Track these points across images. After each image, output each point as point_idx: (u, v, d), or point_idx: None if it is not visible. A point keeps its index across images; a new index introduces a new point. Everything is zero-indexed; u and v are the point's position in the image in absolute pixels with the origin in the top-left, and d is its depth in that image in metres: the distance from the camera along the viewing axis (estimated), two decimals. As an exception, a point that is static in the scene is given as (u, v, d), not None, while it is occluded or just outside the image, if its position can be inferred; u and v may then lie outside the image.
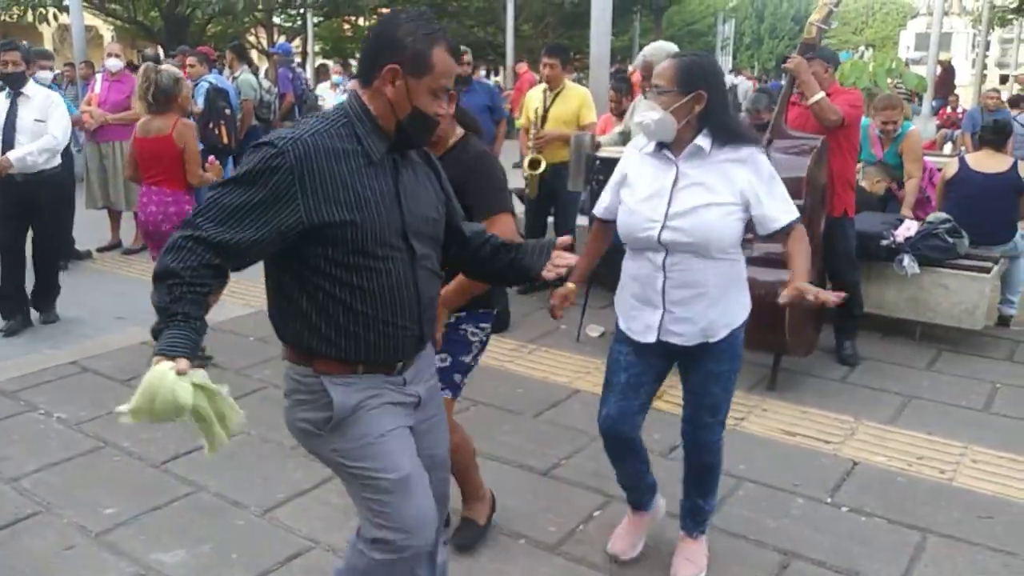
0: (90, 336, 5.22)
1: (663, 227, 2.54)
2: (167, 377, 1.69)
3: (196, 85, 7.28)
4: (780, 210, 2.57)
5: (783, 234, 2.60)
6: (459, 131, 2.72)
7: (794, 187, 4.21)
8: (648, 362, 2.72)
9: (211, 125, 7.20)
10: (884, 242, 5.05)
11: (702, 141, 2.53)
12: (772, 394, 4.34)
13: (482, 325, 2.83)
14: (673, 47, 4.79)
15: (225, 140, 7.27)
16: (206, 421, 1.75)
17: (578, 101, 5.90)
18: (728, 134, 2.54)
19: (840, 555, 2.96)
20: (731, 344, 2.64)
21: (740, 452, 3.70)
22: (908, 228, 5.08)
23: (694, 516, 2.87)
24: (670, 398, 4.29)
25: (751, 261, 4.37)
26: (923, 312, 5.11)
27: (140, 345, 5.05)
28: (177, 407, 1.69)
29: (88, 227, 7.41)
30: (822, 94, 4.33)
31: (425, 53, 1.88)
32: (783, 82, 4.87)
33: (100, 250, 7.45)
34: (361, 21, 24.08)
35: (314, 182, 1.82)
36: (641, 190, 2.62)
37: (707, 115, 2.51)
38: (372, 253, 1.90)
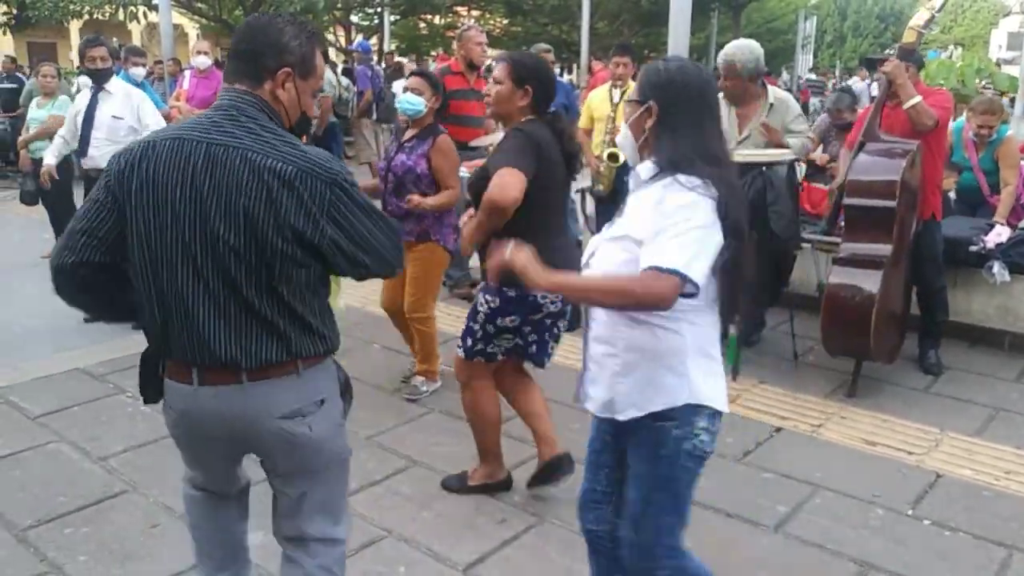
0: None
1: (586, 263, 2.14)
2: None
3: None
4: (660, 248, 1.85)
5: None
6: (524, 119, 3.05)
7: (887, 190, 4.13)
8: (603, 438, 2.23)
9: None
10: (973, 248, 4.87)
11: (646, 166, 2.03)
12: (852, 401, 4.23)
13: (487, 296, 3.08)
14: (756, 45, 4.70)
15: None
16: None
17: None
18: (672, 161, 1.97)
19: (920, 569, 2.88)
20: (652, 439, 2.03)
21: (817, 459, 3.63)
22: (999, 234, 4.89)
23: None
24: (743, 402, 4.23)
25: (836, 261, 4.30)
26: (1013, 321, 4.92)
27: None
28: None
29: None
30: (919, 98, 4.22)
31: (310, 56, 1.94)
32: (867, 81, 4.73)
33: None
34: (437, 19, 24.35)
35: None
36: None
37: (657, 133, 2.02)
38: None
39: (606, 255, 2.05)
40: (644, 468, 2.07)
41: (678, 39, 6.63)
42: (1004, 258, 4.79)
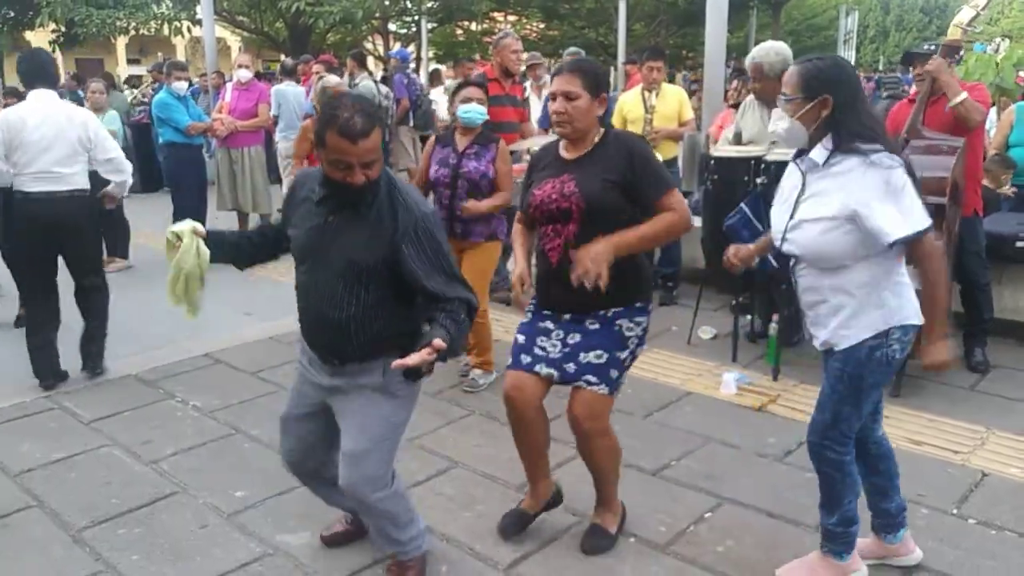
0: (220, 330, 5.53)
1: (783, 239, 2.58)
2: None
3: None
4: (894, 222, 2.36)
5: (906, 247, 2.43)
6: (600, 129, 2.85)
7: (937, 186, 4.06)
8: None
9: None
10: (1020, 243, 4.78)
11: (818, 151, 2.48)
12: (896, 400, 4.17)
13: (637, 319, 2.84)
14: (783, 47, 4.68)
15: None
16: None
17: (677, 99, 6.03)
18: (853, 139, 2.41)
19: (966, 568, 2.84)
20: (850, 352, 2.52)
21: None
22: (1047, 228, 4.79)
23: (820, 524, 2.77)
24: (784, 402, 4.21)
25: None
26: (1063, 318, 4.81)
27: (268, 340, 5.33)
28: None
29: (219, 227, 7.85)
30: (965, 94, 4.16)
31: (321, 134, 2.35)
32: (909, 75, 4.69)
33: (230, 250, 7.86)
34: (474, 26, 24.47)
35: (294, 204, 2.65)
36: (780, 198, 2.66)
37: (833, 120, 2.44)
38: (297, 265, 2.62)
39: (806, 235, 2.49)
40: (838, 365, 2.54)
41: (715, 38, 6.64)
42: (1052, 253, 4.70)
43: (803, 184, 2.54)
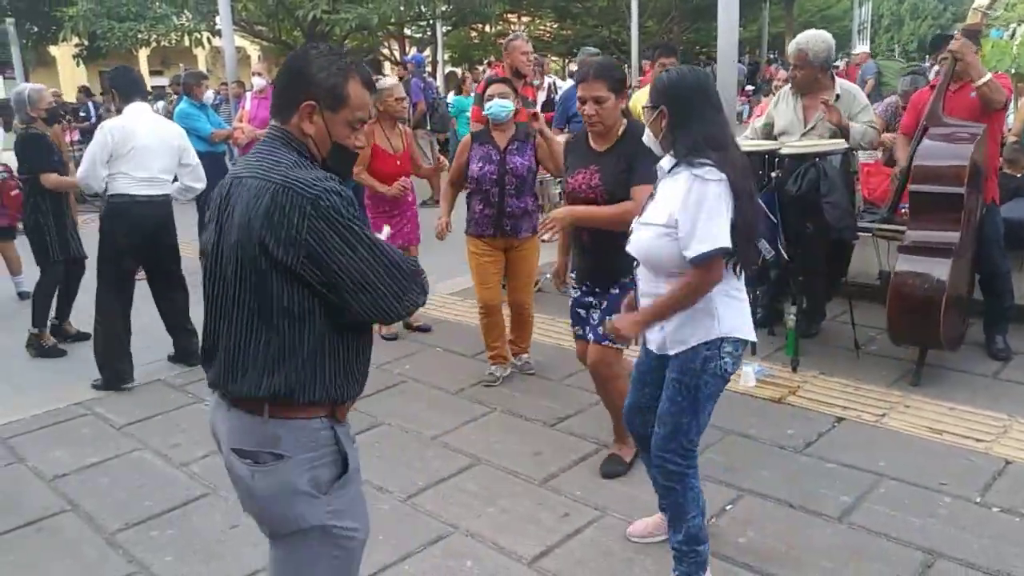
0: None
1: (628, 240, 2.65)
2: None
3: None
4: (694, 237, 2.38)
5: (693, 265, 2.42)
6: (623, 121, 3.28)
7: (956, 174, 4.07)
8: (650, 363, 2.76)
9: None
10: (1041, 230, 4.75)
11: (666, 159, 2.57)
12: (916, 390, 4.17)
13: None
14: (828, 36, 4.70)
15: None
16: None
17: None
18: (687, 151, 2.45)
19: (990, 556, 2.84)
20: (686, 361, 2.54)
21: (881, 449, 3.60)
22: (1068, 214, 4.76)
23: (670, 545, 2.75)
24: (804, 393, 4.22)
25: (901, 249, 4.25)
26: (1086, 304, 4.77)
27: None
28: None
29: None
30: (989, 75, 4.15)
31: (341, 87, 1.86)
32: (928, 64, 4.68)
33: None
34: (488, 28, 24.53)
35: None
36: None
37: (670, 131, 2.51)
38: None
39: (640, 238, 2.56)
40: (674, 375, 2.58)
41: (727, 33, 6.62)
42: (1074, 239, 4.66)
43: (656, 188, 2.62)
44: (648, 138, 2.62)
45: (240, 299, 1.81)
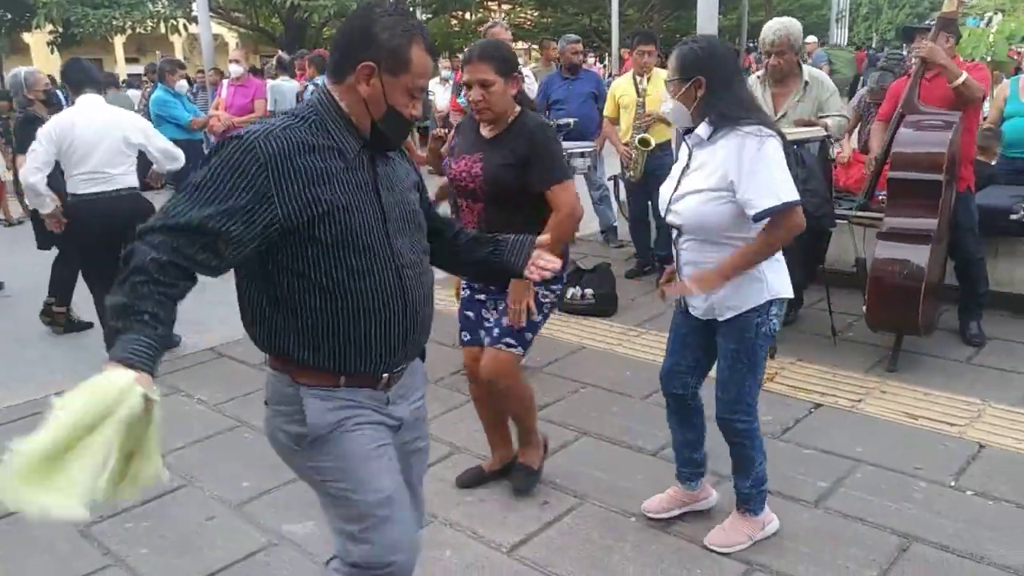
0: (225, 325, 5.56)
1: (667, 210, 2.73)
2: (130, 390, 1.43)
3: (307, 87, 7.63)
4: (759, 194, 2.47)
5: (762, 220, 2.52)
6: (516, 108, 2.96)
7: (933, 162, 4.08)
8: (692, 326, 2.84)
9: None
10: (1014, 216, 4.80)
11: (703, 127, 2.61)
12: (892, 376, 4.21)
13: (553, 287, 3.06)
14: (792, 19, 4.70)
15: None
16: (124, 452, 1.46)
17: None
18: (724, 118, 2.54)
19: (964, 539, 2.87)
20: (739, 326, 2.67)
21: (857, 434, 3.63)
22: (1041, 201, 4.80)
23: (735, 489, 2.95)
24: (782, 380, 4.24)
25: (880, 236, 4.27)
26: (1058, 289, 4.83)
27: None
28: (112, 417, 1.42)
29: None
30: (965, 75, 4.19)
31: (404, 50, 1.76)
32: (904, 52, 4.70)
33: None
34: (468, 16, 24.42)
35: (288, 178, 1.70)
36: (672, 172, 2.80)
37: (708, 100, 2.57)
38: (352, 250, 1.78)
39: (687, 206, 2.62)
40: (732, 347, 2.71)
41: (707, 21, 6.62)
42: (1046, 225, 4.71)
43: (689, 158, 2.69)
44: (676, 112, 2.65)
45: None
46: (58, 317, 5.64)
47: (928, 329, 4.36)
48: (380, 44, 1.75)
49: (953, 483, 3.24)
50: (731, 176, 2.51)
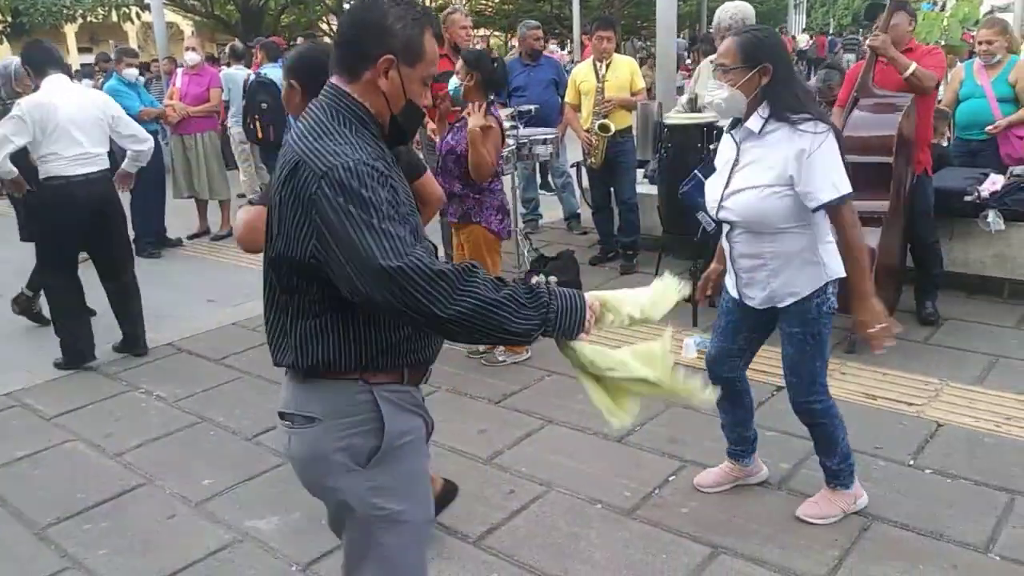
0: (184, 319, 5.49)
1: (719, 207, 2.73)
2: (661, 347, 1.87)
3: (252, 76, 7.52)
4: (820, 187, 2.53)
5: (829, 212, 2.61)
6: None
7: (883, 144, 4.13)
8: (744, 311, 2.88)
9: (247, 119, 7.39)
10: (968, 198, 4.87)
11: (754, 120, 2.62)
12: (851, 357, 4.26)
13: None
14: (748, 7, 4.72)
15: (260, 135, 7.37)
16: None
17: (629, 69, 6.04)
18: (788, 108, 2.56)
19: (923, 517, 2.92)
20: (800, 310, 2.72)
21: (818, 416, 3.67)
22: (994, 182, 4.88)
23: (823, 468, 2.99)
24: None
25: None
26: (1011, 269, 4.93)
27: (231, 326, 5.30)
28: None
29: (178, 215, 7.76)
30: (914, 65, 4.21)
31: (418, 39, 1.70)
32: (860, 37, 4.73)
33: (190, 237, 7.79)
34: (428, 1, 24.18)
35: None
36: (718, 167, 2.80)
37: (772, 88, 2.57)
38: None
39: (743, 201, 2.64)
40: (796, 329, 2.74)
41: (667, 8, 6.64)
42: (999, 206, 4.79)
43: (737, 153, 2.69)
44: (732, 101, 2.60)
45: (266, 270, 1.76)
46: (20, 300, 5.51)
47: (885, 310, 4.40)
48: (395, 35, 1.68)
49: (912, 462, 3.30)
50: (790, 171, 2.53)
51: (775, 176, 2.57)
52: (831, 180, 2.53)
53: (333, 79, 1.73)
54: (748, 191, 2.63)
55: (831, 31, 31.02)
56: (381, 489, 1.75)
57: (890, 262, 4.38)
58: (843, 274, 2.71)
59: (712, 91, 2.70)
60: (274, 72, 7.64)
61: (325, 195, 1.55)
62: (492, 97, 4.26)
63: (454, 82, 4.20)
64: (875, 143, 4.17)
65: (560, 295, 1.67)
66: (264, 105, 7.21)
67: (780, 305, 2.74)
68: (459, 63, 4.22)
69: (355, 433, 1.73)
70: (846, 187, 2.55)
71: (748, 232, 2.71)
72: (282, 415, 1.82)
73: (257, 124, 7.30)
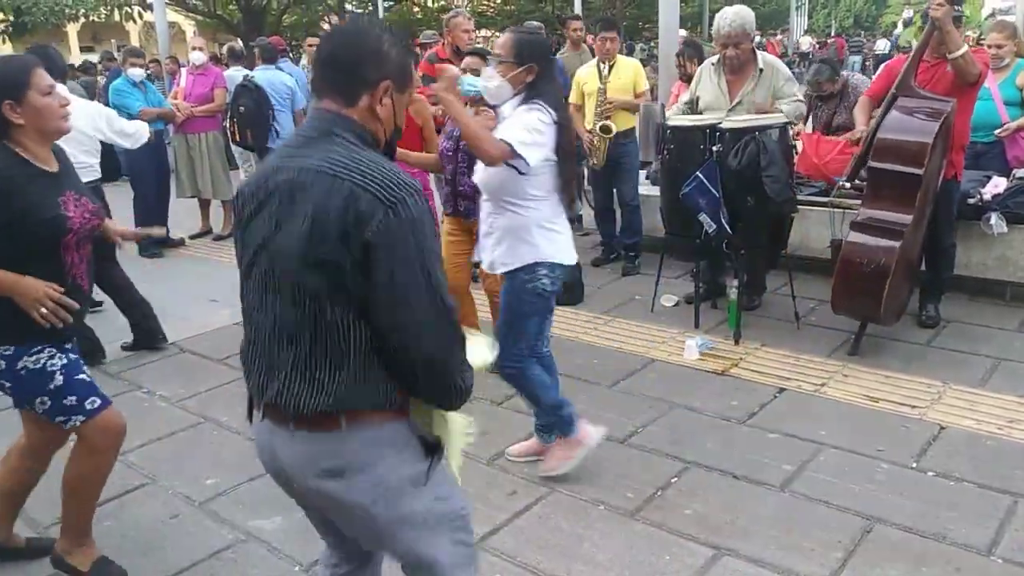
0: (186, 319, 5.49)
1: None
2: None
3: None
4: (503, 130, 2.86)
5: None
6: None
7: (918, 152, 3.98)
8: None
9: (227, 119, 7.46)
10: (971, 200, 4.86)
11: (508, 105, 2.97)
12: (854, 359, 4.27)
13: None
14: (748, 11, 4.71)
15: (236, 137, 7.43)
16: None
17: (632, 71, 6.02)
18: (537, 95, 2.90)
19: (926, 520, 2.92)
20: (511, 282, 3.05)
21: (820, 418, 3.68)
22: (996, 185, 4.88)
23: (536, 428, 3.40)
24: (746, 366, 4.28)
25: (853, 225, 4.28)
26: (1013, 272, 4.92)
27: (234, 326, 5.29)
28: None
29: (181, 215, 7.77)
30: (966, 47, 4.08)
31: (409, 66, 1.75)
32: (864, 39, 4.70)
33: (192, 237, 7.81)
34: (430, 3, 24.22)
35: None
36: None
37: (534, 85, 2.92)
38: None
39: (479, 166, 3.01)
40: (505, 299, 3.11)
41: (669, 9, 6.65)
42: (1001, 209, 4.78)
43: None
44: (503, 87, 2.94)
45: (300, 306, 1.62)
46: None
47: (891, 318, 4.35)
48: (392, 60, 1.70)
49: (915, 464, 3.30)
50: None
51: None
52: (515, 133, 2.81)
53: (323, 103, 1.69)
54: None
55: (832, 33, 31.04)
56: (440, 495, 1.81)
57: (907, 270, 4.33)
58: (560, 260, 3.01)
59: (488, 78, 3.01)
60: (263, 75, 7.67)
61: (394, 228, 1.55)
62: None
63: (470, 82, 4.02)
64: (909, 150, 4.02)
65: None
66: (242, 109, 7.32)
67: (496, 272, 3.12)
68: (468, 61, 3.98)
69: (407, 461, 1.74)
70: (522, 148, 2.79)
71: (488, 200, 3.06)
72: (331, 472, 1.68)
73: (236, 126, 7.45)
